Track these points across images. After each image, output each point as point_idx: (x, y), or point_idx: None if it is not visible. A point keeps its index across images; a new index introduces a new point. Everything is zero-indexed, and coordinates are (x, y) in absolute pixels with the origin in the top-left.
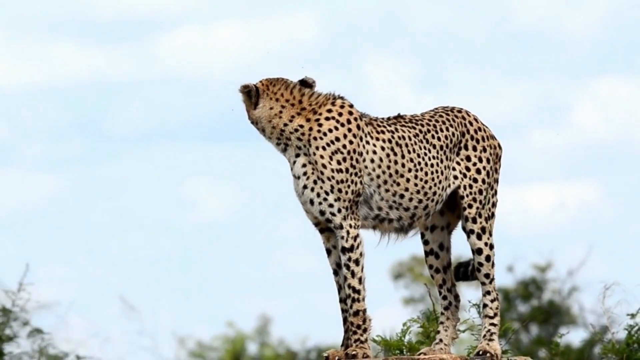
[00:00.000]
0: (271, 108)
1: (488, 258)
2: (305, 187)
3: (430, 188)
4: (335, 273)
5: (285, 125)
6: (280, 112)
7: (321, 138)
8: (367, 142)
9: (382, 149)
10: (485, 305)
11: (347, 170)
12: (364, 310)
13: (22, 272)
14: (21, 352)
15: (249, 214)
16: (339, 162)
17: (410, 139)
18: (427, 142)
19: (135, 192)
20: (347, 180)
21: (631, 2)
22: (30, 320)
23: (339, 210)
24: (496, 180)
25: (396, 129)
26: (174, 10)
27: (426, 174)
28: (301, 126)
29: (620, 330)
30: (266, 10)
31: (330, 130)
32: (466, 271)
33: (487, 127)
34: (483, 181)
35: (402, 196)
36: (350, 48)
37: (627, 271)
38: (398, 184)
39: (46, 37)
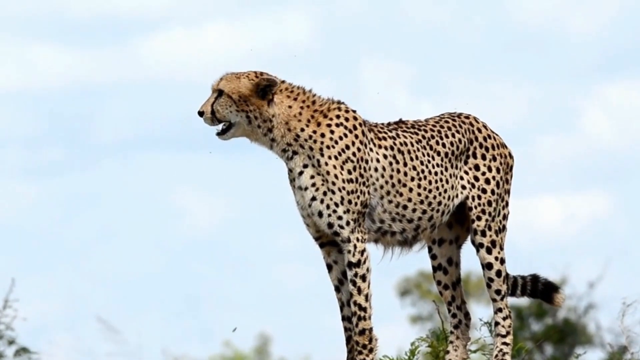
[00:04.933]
0: (290, 107)
1: (499, 273)
2: (314, 199)
3: (434, 197)
4: (337, 290)
5: (302, 130)
6: (300, 113)
7: (333, 147)
8: (371, 150)
9: (385, 157)
10: (497, 324)
11: (356, 180)
12: (370, 329)
13: (6, 287)
14: None
15: (242, 225)
16: (349, 172)
17: (412, 145)
18: (431, 148)
19: (120, 202)
20: (356, 191)
21: None
22: (17, 339)
23: (348, 223)
24: (507, 192)
25: (397, 135)
26: (158, 10)
27: (430, 182)
28: (314, 132)
29: None
30: (255, 10)
31: (340, 138)
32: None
33: (497, 134)
34: (492, 192)
35: (405, 207)
36: (343, 50)
37: None
38: (401, 194)
39: (23, 37)
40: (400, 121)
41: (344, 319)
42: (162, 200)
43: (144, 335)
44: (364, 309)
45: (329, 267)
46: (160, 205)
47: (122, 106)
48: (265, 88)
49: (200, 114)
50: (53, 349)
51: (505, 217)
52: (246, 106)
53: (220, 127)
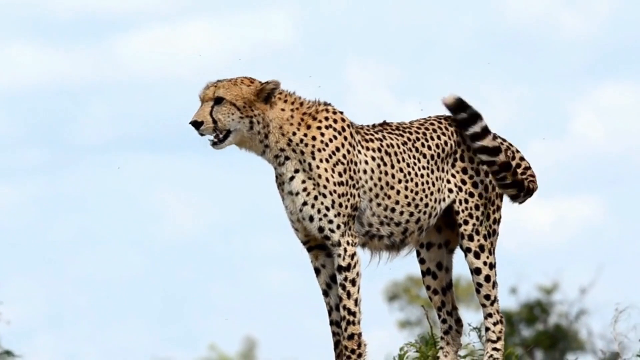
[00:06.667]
0: (282, 110)
1: (488, 278)
2: (305, 203)
3: (421, 200)
4: (325, 294)
5: (294, 134)
6: (292, 116)
7: (324, 149)
8: (359, 152)
9: (373, 159)
10: (487, 329)
11: (347, 182)
12: (359, 334)
13: None
14: None
15: (227, 228)
16: (340, 174)
17: (398, 147)
18: (417, 150)
19: (101, 204)
20: (347, 194)
21: (635, 3)
22: (0, 342)
23: (338, 227)
24: (498, 195)
25: (384, 137)
26: (138, 8)
27: (416, 184)
28: (305, 135)
29: (632, 357)
30: (237, 8)
31: (330, 140)
32: None
33: None
34: (480, 195)
35: (393, 210)
36: (328, 50)
37: (637, 292)
38: (389, 197)
39: (1, 36)
40: (385, 123)
41: (332, 323)
42: (144, 202)
43: (129, 340)
44: (353, 314)
45: (317, 271)
46: (142, 206)
47: (102, 106)
48: (270, 93)
49: (197, 124)
50: (37, 352)
51: (495, 221)
52: (251, 111)
53: (214, 136)
